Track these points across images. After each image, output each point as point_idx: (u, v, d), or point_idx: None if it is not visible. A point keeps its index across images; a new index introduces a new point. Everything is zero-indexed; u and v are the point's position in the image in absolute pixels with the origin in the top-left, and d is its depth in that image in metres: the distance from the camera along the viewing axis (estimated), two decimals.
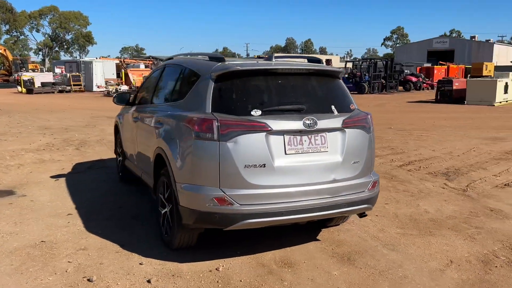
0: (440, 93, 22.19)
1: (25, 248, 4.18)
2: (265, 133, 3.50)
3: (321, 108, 3.82)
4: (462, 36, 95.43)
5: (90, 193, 6.01)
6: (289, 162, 3.57)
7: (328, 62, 29.08)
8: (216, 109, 3.59)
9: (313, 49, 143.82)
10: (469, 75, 30.02)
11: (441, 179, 6.83)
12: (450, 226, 4.80)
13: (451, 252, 4.12)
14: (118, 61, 41.90)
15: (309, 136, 3.66)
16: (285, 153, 3.56)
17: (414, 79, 33.62)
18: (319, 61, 4.31)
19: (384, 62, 32.06)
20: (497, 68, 44.94)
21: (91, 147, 9.79)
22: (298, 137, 3.61)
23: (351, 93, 4.27)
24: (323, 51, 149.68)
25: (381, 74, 30.73)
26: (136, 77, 31.69)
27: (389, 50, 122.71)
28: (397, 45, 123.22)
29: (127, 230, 4.65)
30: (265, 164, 3.49)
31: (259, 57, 31.92)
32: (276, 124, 3.52)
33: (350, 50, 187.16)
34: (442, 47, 66.81)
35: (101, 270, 3.73)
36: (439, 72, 40.12)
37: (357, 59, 40.77)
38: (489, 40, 73.09)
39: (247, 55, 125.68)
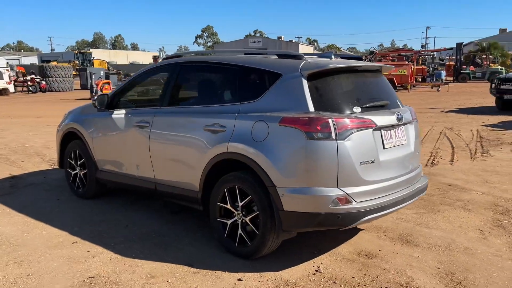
0: None
1: None
2: (372, 129, 3.59)
3: (393, 102, 4.07)
4: (265, 35, 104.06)
5: (62, 215, 5.07)
6: (387, 156, 3.73)
7: None
8: (318, 107, 3.52)
9: (124, 45, 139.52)
10: None
11: None
12: (440, 202, 5.55)
13: (470, 223, 4.82)
14: None
15: (395, 129, 3.88)
16: (384, 148, 3.71)
17: None
18: (360, 58, 4.52)
19: None
20: None
21: None
22: (389, 131, 3.80)
23: None
24: (135, 47, 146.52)
25: None
26: None
27: (201, 48, 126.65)
28: (208, 43, 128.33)
29: (170, 249, 4.14)
30: (374, 160, 3.59)
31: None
32: (379, 119, 3.65)
33: (163, 47, 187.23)
34: (257, 46, 71.95)
35: None
36: None
37: None
38: (291, 40, 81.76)
39: (52, 49, 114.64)
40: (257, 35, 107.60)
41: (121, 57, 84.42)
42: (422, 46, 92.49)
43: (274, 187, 3.53)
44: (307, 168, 3.42)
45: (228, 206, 3.93)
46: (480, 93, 24.92)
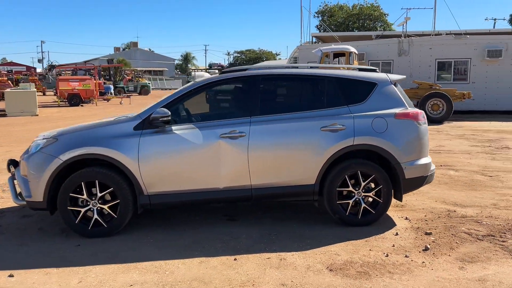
0: None
1: None
2: None
3: None
4: None
5: (143, 251, 4.53)
6: None
7: None
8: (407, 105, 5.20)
9: None
10: None
11: None
12: None
13: None
14: None
15: None
16: None
17: None
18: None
19: None
20: None
21: None
22: None
23: None
24: None
25: None
26: None
27: None
28: None
29: (314, 238, 4.77)
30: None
31: None
32: None
33: None
34: None
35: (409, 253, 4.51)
36: None
37: None
38: None
39: None
40: None
41: None
42: (39, 61, 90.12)
43: (399, 163, 5.00)
44: (419, 146, 5.14)
45: (350, 189, 5.01)
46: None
